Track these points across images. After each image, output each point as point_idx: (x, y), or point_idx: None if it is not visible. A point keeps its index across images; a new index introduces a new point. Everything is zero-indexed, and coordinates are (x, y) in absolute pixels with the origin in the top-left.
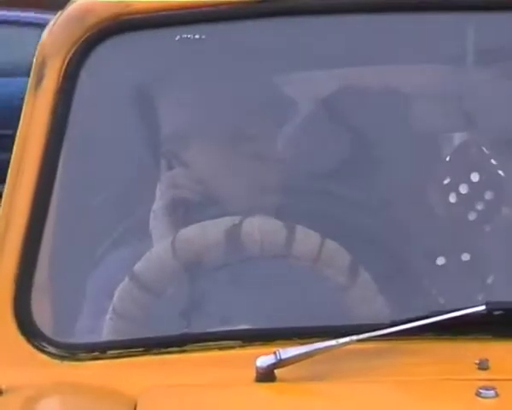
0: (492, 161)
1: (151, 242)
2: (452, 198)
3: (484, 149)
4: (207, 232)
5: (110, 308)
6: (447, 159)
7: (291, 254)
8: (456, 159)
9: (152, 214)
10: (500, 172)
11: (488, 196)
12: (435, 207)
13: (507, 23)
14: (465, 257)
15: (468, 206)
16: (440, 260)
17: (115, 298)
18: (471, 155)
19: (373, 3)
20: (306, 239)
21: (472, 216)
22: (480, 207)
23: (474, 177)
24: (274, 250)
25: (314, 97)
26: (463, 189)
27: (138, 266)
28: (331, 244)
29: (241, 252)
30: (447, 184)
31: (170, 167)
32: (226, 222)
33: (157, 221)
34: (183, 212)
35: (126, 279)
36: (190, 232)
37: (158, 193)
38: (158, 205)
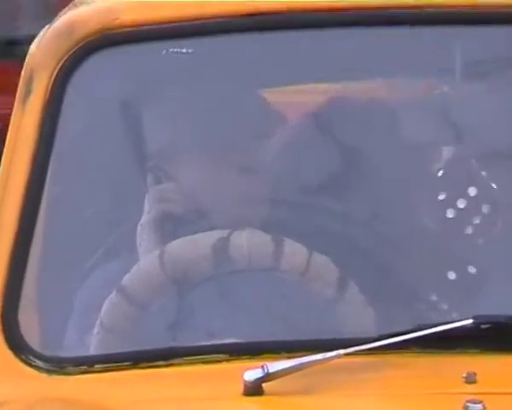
0: (483, 174)
1: (138, 256)
2: (450, 213)
3: (473, 162)
4: (195, 246)
5: (98, 322)
6: (439, 174)
7: (279, 268)
8: (450, 173)
9: (139, 228)
10: (493, 185)
11: (485, 209)
12: (431, 223)
13: (495, 37)
14: (451, 274)
15: (467, 220)
16: (430, 275)
17: (103, 312)
18: (465, 169)
19: (361, 18)
20: (294, 253)
21: (469, 230)
22: (477, 221)
23: (472, 191)
24: (262, 264)
25: (302, 111)
26: (461, 203)
27: (126, 280)
28: (319, 258)
29: (229, 265)
30: (444, 200)
31: (157, 182)
32: (214, 235)
33: (144, 235)
34: (171, 226)
35: (114, 293)
36: (178, 246)
37: (146, 207)
38: (145, 219)
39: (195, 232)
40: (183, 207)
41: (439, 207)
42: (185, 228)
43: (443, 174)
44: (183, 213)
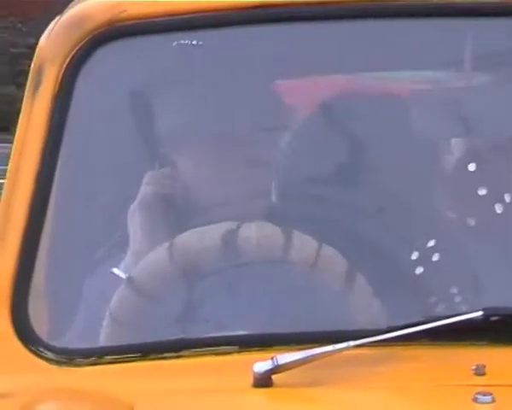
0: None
1: (148, 248)
2: (499, 208)
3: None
4: (204, 238)
5: (107, 314)
6: (471, 168)
7: (288, 260)
8: (487, 168)
9: (129, 213)
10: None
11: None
12: (473, 219)
13: (504, 29)
14: (464, 260)
15: (510, 213)
16: (439, 266)
17: (112, 303)
18: (498, 162)
19: (371, 10)
20: (303, 245)
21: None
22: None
23: None
24: (271, 256)
25: (311, 103)
26: (508, 197)
27: (135, 272)
28: (328, 250)
29: (238, 257)
30: (486, 195)
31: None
32: (223, 227)
33: (135, 217)
34: (160, 207)
35: (123, 285)
36: (187, 238)
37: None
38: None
39: (205, 224)
40: (175, 191)
41: (485, 203)
42: (195, 220)
43: (475, 169)
44: (172, 196)
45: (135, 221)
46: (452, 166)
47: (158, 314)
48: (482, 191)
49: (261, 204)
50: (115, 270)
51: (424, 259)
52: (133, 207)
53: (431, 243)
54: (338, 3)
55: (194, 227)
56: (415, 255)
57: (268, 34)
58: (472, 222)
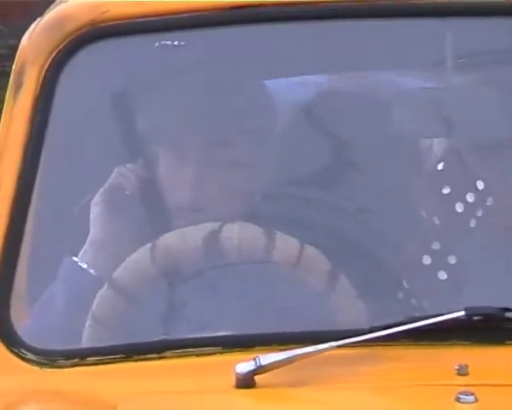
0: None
1: (131, 248)
2: (459, 208)
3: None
4: (186, 238)
5: (89, 315)
6: (439, 167)
7: (270, 260)
8: (453, 167)
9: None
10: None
11: (489, 202)
12: (436, 217)
13: (486, 29)
14: (447, 265)
15: (473, 213)
16: (422, 267)
17: (94, 305)
18: (466, 162)
19: (351, 10)
20: (286, 245)
21: (473, 223)
22: (479, 213)
23: (480, 185)
24: (253, 256)
25: (293, 103)
26: (470, 197)
27: (117, 273)
28: (310, 250)
29: (221, 258)
30: (449, 194)
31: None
32: (205, 228)
33: (95, 208)
34: (120, 200)
35: (105, 286)
36: (169, 239)
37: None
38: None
39: (188, 225)
40: (135, 185)
41: (445, 202)
42: (177, 221)
43: (443, 168)
44: (132, 190)
45: (95, 211)
46: (435, 166)
47: (140, 315)
48: (446, 190)
49: (243, 205)
50: (75, 258)
51: (406, 259)
52: (96, 197)
53: (413, 243)
54: (320, 4)
55: (175, 228)
56: (397, 255)
57: (251, 34)
58: (456, 223)
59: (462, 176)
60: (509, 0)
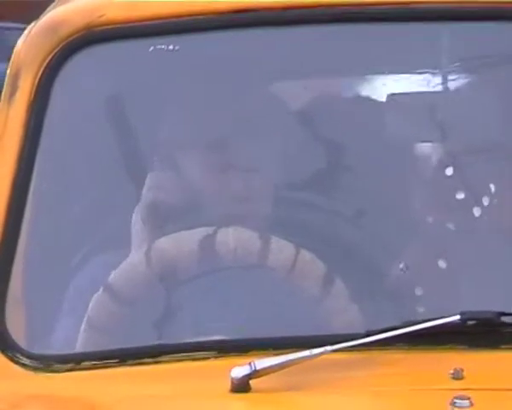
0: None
1: (125, 252)
2: (477, 212)
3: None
4: (182, 243)
5: (85, 320)
6: (448, 173)
7: (266, 265)
8: (462, 172)
9: (133, 219)
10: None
11: (485, 202)
12: (452, 223)
13: (481, 33)
14: (441, 264)
15: (492, 217)
16: (416, 270)
17: (90, 309)
18: (472, 166)
19: (348, 14)
20: (281, 249)
21: (471, 226)
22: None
23: (492, 187)
24: (248, 260)
25: (290, 107)
26: (485, 201)
27: (112, 278)
28: (306, 255)
29: (216, 262)
30: (465, 199)
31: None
32: (200, 232)
33: (137, 225)
34: (158, 217)
35: (101, 290)
36: (165, 243)
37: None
38: (137, 212)
39: (182, 229)
40: (171, 198)
41: (461, 207)
42: (172, 224)
43: (453, 174)
44: (170, 203)
45: (139, 228)
46: (430, 170)
47: (136, 320)
48: (460, 195)
49: (239, 209)
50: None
51: (402, 263)
52: (136, 213)
53: (409, 248)
54: (314, 8)
55: (173, 231)
56: (393, 260)
57: (246, 39)
58: (451, 226)
59: (475, 180)
60: (504, 5)
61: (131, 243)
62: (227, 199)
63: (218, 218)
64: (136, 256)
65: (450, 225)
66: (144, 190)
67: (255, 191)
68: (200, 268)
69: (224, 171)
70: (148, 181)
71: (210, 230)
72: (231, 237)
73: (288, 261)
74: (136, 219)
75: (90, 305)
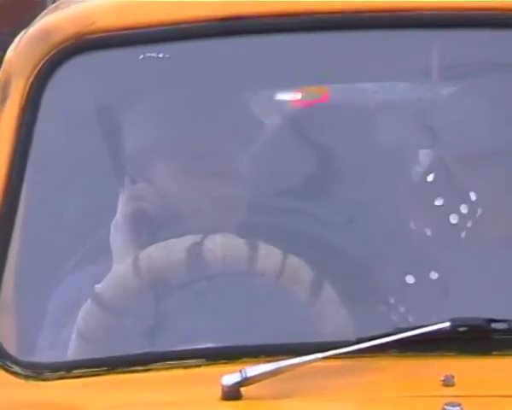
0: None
1: (112, 257)
2: (453, 219)
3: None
4: (170, 251)
5: (74, 328)
6: (429, 179)
7: (254, 271)
8: (443, 178)
9: (112, 228)
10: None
11: (479, 212)
12: (429, 229)
13: (471, 40)
14: (433, 275)
15: (464, 224)
16: (408, 277)
17: (79, 318)
18: (455, 173)
19: (336, 21)
20: (269, 256)
21: (463, 234)
22: (469, 224)
23: (472, 196)
24: (236, 267)
25: (277, 115)
26: (464, 209)
27: (100, 287)
28: (294, 260)
29: (204, 270)
30: (443, 205)
31: (133, 183)
32: (188, 240)
33: (118, 234)
34: (144, 227)
35: (89, 300)
36: (152, 251)
37: (119, 206)
38: (118, 218)
39: (170, 236)
40: (157, 207)
41: (439, 213)
42: (160, 232)
43: (433, 180)
44: (156, 213)
45: (120, 237)
46: (418, 177)
47: (125, 329)
48: (439, 202)
49: (226, 216)
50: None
51: (391, 269)
52: (117, 222)
53: (398, 254)
54: (304, 15)
55: (161, 239)
56: (382, 265)
57: (236, 46)
58: (428, 232)
59: (454, 187)
60: (495, 12)
61: (113, 256)
62: (212, 207)
63: (204, 226)
64: (123, 266)
65: (440, 233)
66: (124, 201)
67: (240, 198)
68: (189, 276)
69: (208, 178)
70: (129, 192)
71: (197, 237)
72: (219, 244)
73: (276, 267)
74: (115, 232)
75: (80, 315)
